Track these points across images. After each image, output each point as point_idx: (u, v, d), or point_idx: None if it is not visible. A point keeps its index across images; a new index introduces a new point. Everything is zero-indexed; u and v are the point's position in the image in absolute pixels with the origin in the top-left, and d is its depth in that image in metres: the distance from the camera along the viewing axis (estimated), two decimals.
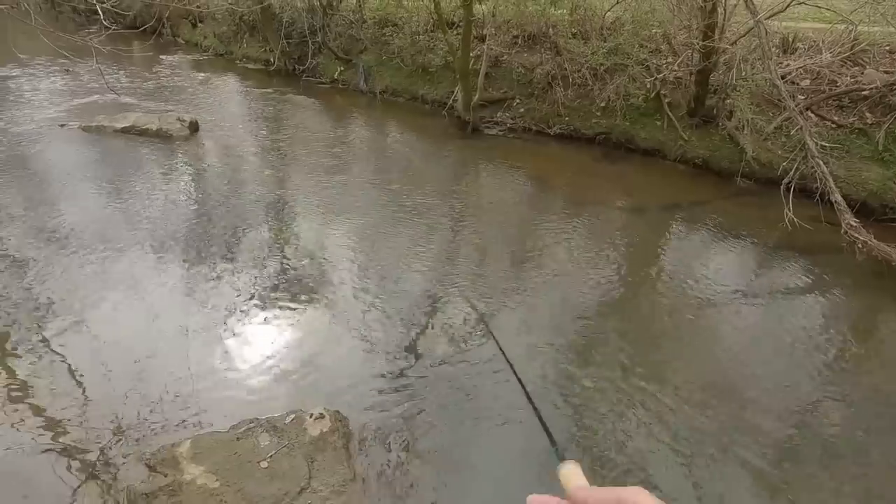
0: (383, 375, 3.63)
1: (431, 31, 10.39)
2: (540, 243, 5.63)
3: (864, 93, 6.74)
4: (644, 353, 3.97)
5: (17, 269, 4.61)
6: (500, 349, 1.03)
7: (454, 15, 9.95)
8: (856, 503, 2.95)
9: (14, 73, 10.94)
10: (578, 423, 3.33)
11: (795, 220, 5.28)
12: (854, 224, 5.03)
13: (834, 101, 6.99)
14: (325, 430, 2.99)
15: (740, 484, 3.00)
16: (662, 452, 3.14)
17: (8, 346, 3.75)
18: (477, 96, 8.89)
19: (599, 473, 2.99)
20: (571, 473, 0.64)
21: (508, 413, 3.33)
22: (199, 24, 16.17)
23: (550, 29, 9.05)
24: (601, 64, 8.22)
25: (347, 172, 7.35)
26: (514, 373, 0.96)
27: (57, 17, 17.81)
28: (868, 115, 6.70)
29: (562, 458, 0.67)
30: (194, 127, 8.51)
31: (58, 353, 3.70)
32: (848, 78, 7.09)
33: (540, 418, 0.79)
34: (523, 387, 0.89)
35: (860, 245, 4.93)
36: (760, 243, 5.69)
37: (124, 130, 8.14)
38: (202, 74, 12.67)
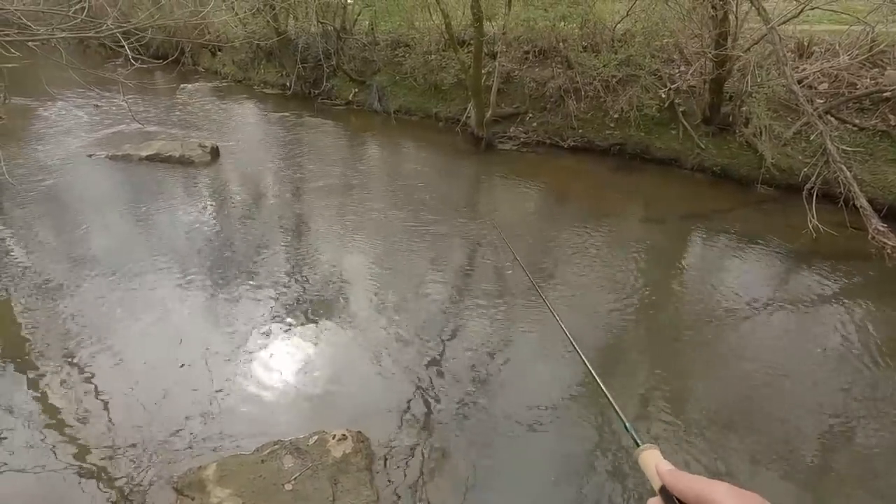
0: (404, 395, 3.64)
1: (443, 51, 10.56)
2: (559, 257, 5.60)
3: (885, 94, 6.61)
4: (668, 367, 3.90)
5: (47, 294, 4.76)
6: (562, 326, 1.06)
7: (465, 33, 10.10)
8: None
9: (45, 107, 11.41)
10: (596, 444, 3.27)
11: (820, 226, 5.18)
12: (881, 228, 4.91)
13: (854, 103, 6.87)
14: (347, 451, 3.00)
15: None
16: (693, 472, 3.05)
17: (38, 369, 3.87)
18: (490, 112, 8.97)
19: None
20: (654, 456, 0.67)
21: (530, 435, 3.30)
22: (219, 53, 16.69)
23: (561, 43, 9.12)
24: (613, 76, 8.23)
25: (364, 192, 7.45)
26: (581, 357, 1.02)
27: (84, 51, 18.60)
28: (891, 116, 6.56)
29: (638, 442, 0.69)
30: (215, 152, 8.75)
31: (86, 377, 3.80)
32: (868, 80, 6.96)
33: (611, 402, 0.82)
34: (592, 372, 0.94)
35: (889, 250, 4.80)
36: (784, 251, 5.57)
37: (149, 158, 8.41)
38: (222, 101, 13.05)
